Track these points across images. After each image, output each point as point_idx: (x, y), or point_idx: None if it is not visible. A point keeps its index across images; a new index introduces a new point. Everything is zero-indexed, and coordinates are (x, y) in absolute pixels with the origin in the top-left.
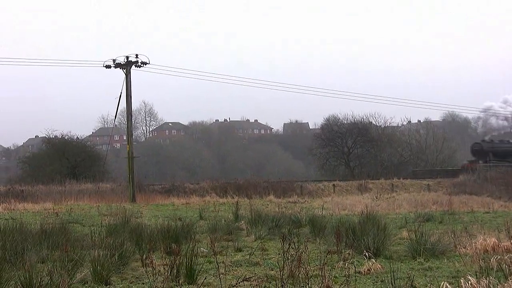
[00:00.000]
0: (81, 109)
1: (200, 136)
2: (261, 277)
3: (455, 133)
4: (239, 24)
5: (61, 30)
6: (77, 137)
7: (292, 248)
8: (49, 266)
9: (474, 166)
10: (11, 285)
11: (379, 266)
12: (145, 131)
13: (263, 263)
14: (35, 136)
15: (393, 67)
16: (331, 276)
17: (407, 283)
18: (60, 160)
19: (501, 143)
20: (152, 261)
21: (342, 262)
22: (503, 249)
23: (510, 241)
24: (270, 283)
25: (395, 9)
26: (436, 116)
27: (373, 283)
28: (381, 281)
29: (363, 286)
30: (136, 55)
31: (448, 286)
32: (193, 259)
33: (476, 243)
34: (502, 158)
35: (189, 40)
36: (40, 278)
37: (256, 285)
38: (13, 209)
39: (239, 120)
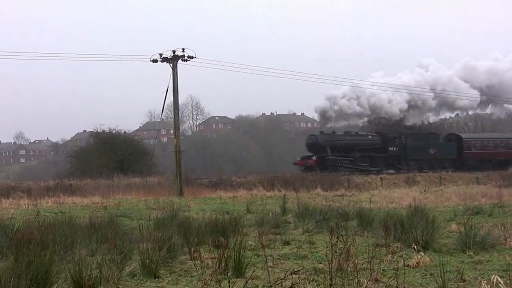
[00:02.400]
0: (128, 103)
1: (247, 130)
2: (309, 270)
3: (506, 125)
4: (287, 17)
5: (108, 25)
6: (125, 131)
7: (340, 241)
8: (98, 259)
9: (306, 163)
10: (61, 278)
11: (428, 259)
12: (192, 125)
13: (311, 256)
14: (83, 131)
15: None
16: (379, 269)
17: (456, 276)
18: (108, 154)
19: (345, 135)
20: (200, 254)
21: (390, 255)
22: None
23: None
24: (318, 276)
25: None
26: (485, 108)
27: (422, 276)
28: (430, 274)
29: (412, 279)
30: (183, 49)
31: (499, 279)
32: (241, 252)
33: None
34: (345, 153)
35: (236, 33)
36: (90, 271)
37: (304, 278)
38: (62, 203)
39: (286, 113)
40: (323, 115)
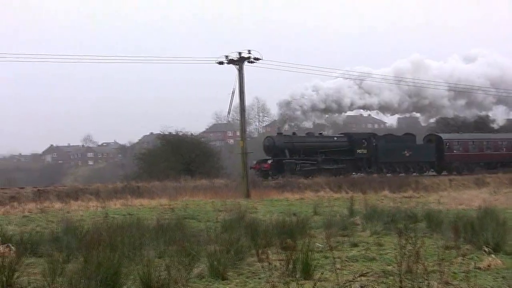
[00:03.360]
0: (194, 106)
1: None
2: (377, 272)
3: None
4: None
5: (172, 27)
6: (191, 133)
7: (409, 243)
8: (166, 261)
9: (262, 167)
10: (130, 280)
11: (500, 261)
12: (258, 127)
13: (380, 258)
14: (150, 133)
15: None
16: (450, 272)
17: None
18: (175, 157)
19: (307, 137)
20: (268, 256)
21: (460, 257)
22: None
23: None
24: (387, 278)
25: None
26: None
27: (493, 279)
28: (502, 277)
29: (483, 282)
30: (249, 51)
31: None
32: (308, 254)
33: None
34: (306, 156)
35: (300, 34)
36: (158, 273)
37: (373, 280)
38: (130, 205)
39: (352, 114)
40: (286, 111)
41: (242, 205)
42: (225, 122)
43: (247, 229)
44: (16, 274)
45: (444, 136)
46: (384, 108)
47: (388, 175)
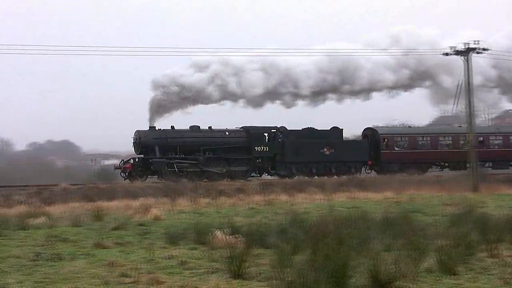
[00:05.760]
0: (415, 96)
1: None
2: None
3: None
4: None
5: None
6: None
7: None
8: (394, 254)
9: (123, 168)
10: (358, 272)
11: None
12: (485, 119)
13: None
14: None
15: None
16: None
17: None
18: None
19: (188, 131)
20: (499, 252)
21: None
22: None
23: None
24: None
25: None
26: None
27: None
28: None
29: None
30: (476, 41)
31: None
32: None
33: None
34: (185, 154)
35: None
36: (386, 266)
37: None
38: (355, 198)
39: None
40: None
41: (469, 199)
42: (451, 114)
43: (476, 224)
44: (246, 264)
45: (382, 130)
46: None
47: (307, 178)
